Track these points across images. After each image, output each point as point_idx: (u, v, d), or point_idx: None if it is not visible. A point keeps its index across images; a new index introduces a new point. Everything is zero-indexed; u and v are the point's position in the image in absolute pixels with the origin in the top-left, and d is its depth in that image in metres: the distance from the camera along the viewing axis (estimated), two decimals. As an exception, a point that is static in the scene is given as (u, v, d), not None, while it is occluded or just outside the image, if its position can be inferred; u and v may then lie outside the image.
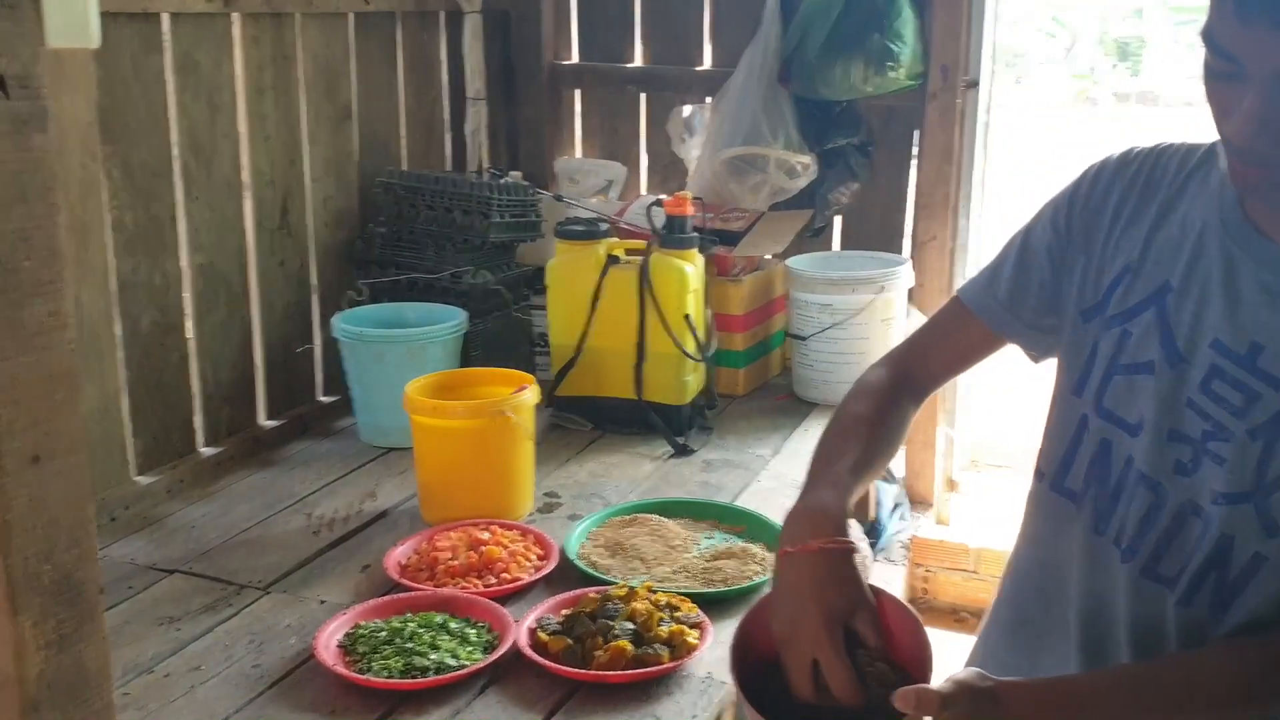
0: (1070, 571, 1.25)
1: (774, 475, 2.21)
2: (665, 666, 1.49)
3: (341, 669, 1.50)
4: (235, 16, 2.23)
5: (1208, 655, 1.13)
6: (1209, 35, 1.00)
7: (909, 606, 1.21)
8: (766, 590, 1.71)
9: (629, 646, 1.49)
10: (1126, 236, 1.20)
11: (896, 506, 3.08)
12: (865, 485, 1.27)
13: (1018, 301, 1.29)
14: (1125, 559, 1.18)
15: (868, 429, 1.30)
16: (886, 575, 3.07)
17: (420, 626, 1.56)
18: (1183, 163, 1.20)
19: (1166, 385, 1.15)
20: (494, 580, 1.73)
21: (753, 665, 1.20)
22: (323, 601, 1.73)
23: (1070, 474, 1.25)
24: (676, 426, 2.37)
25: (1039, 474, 1.30)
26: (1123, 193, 1.22)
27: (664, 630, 1.53)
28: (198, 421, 2.24)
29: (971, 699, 1.06)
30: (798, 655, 1.13)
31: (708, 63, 3.11)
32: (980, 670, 1.10)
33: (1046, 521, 1.29)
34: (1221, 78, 1.02)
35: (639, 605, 1.56)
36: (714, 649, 1.56)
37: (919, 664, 1.15)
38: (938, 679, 1.12)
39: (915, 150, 2.94)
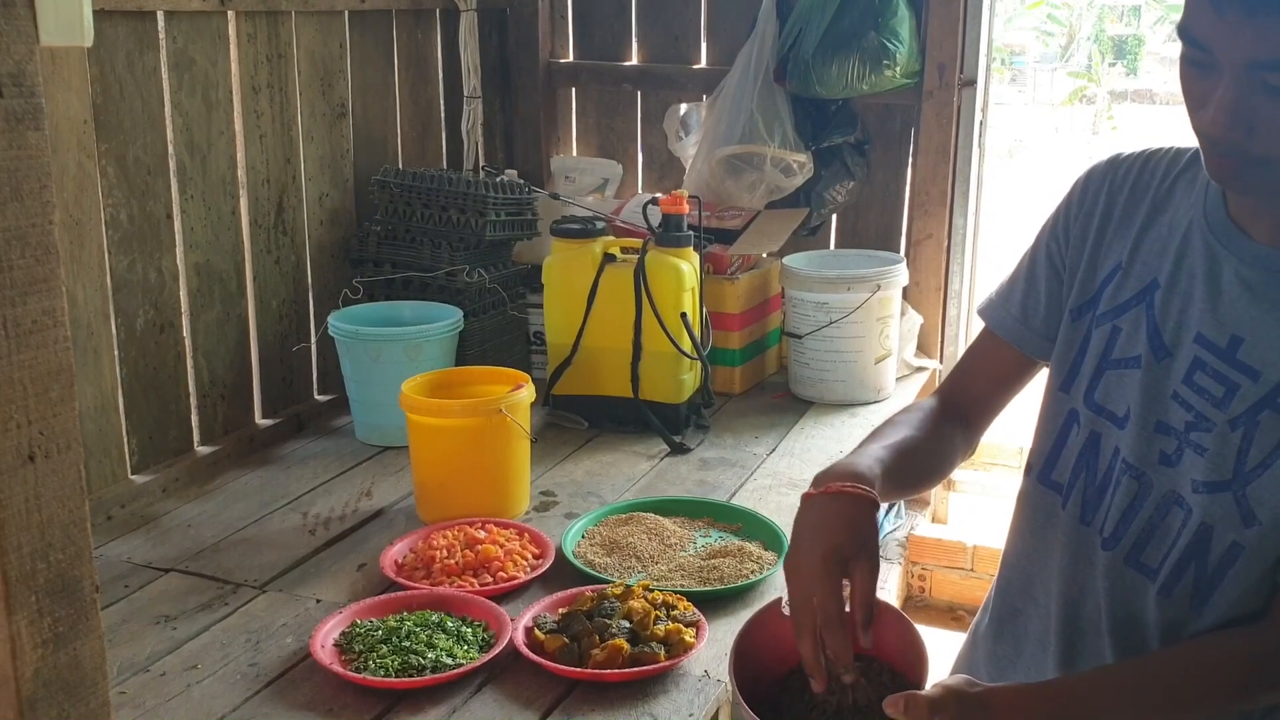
0: (1053, 562, 1.27)
1: (770, 473, 2.21)
2: (661, 665, 1.49)
3: (338, 668, 1.50)
4: (230, 14, 2.22)
5: (1196, 649, 1.15)
6: (1184, 28, 1.04)
7: (906, 617, 1.21)
8: (763, 590, 1.72)
9: (625, 645, 1.49)
10: (1117, 237, 1.24)
11: (893, 505, 3.08)
12: (903, 473, 1.26)
13: (1031, 314, 1.31)
14: (1107, 547, 1.21)
15: (907, 429, 1.31)
16: (883, 573, 3.07)
17: (417, 625, 1.56)
18: (1170, 166, 1.23)
19: (1152, 378, 1.18)
20: (490, 579, 1.73)
21: (753, 672, 1.20)
22: (319, 600, 1.73)
23: (1057, 467, 1.27)
24: (673, 425, 2.37)
25: (1028, 468, 1.32)
26: (1110, 196, 1.25)
27: (660, 629, 1.53)
28: (193, 420, 2.24)
29: (958, 704, 1.07)
30: (798, 589, 1.14)
31: (704, 61, 3.11)
32: (969, 677, 1.12)
33: (1033, 514, 1.31)
34: (1196, 68, 1.05)
35: (635, 604, 1.56)
36: (710, 647, 1.56)
37: (915, 672, 1.16)
38: (930, 684, 1.13)
39: (911, 148, 2.95)
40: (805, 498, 1.19)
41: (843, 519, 1.15)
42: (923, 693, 1.08)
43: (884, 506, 3.15)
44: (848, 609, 1.13)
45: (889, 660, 1.23)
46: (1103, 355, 1.22)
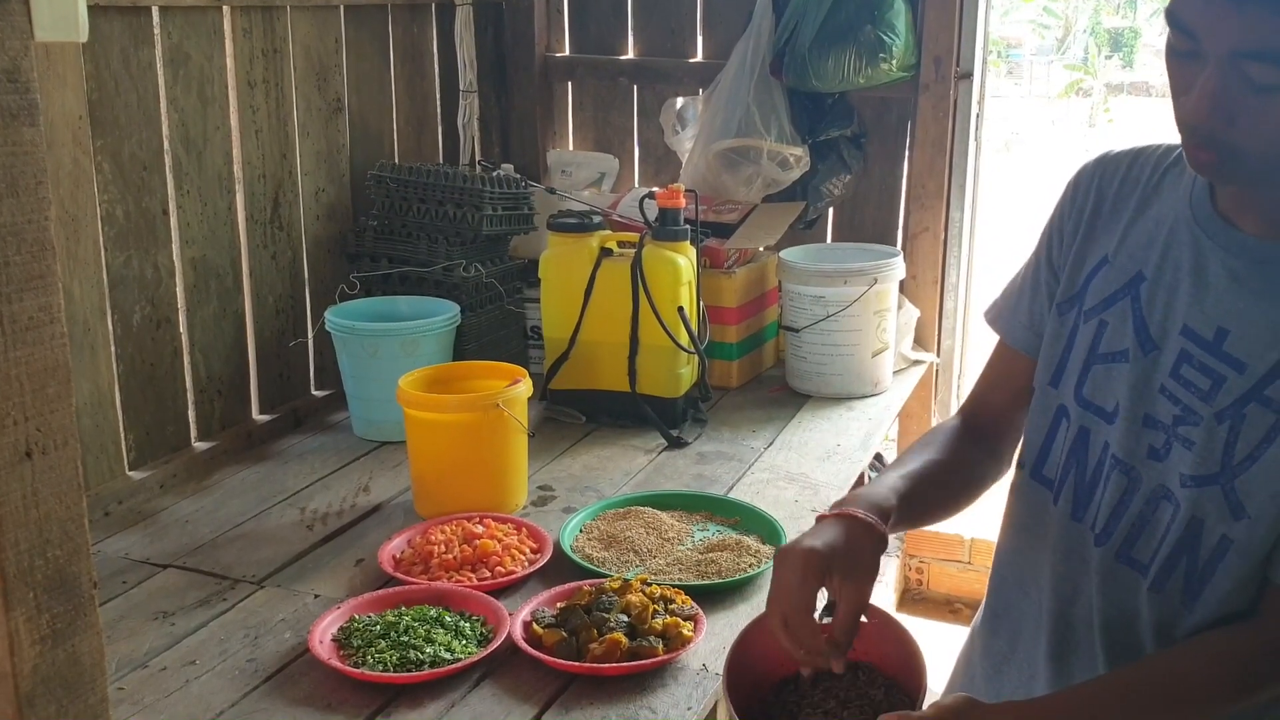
0: (1045, 558, 1.27)
1: (767, 467, 2.21)
2: (659, 659, 1.49)
3: (336, 663, 1.50)
4: (226, 9, 2.22)
5: (1192, 651, 1.14)
6: (1172, 12, 1.04)
7: (905, 628, 1.21)
8: (761, 584, 1.73)
9: (623, 639, 1.50)
10: (1105, 232, 1.24)
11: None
12: (923, 500, 1.27)
13: (1038, 321, 1.31)
14: (1099, 543, 1.21)
15: (929, 453, 1.32)
16: (879, 566, 3.07)
17: (415, 620, 1.56)
18: (1159, 161, 1.23)
19: (1140, 372, 1.17)
20: (488, 574, 1.73)
21: (750, 682, 1.20)
22: (317, 595, 1.73)
23: (1048, 463, 1.27)
24: (670, 419, 2.37)
25: (1020, 463, 1.32)
26: (1100, 192, 1.25)
27: (658, 623, 1.53)
28: (191, 416, 2.24)
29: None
30: (775, 580, 1.16)
31: (700, 55, 3.11)
32: (969, 696, 1.11)
33: (1025, 510, 1.31)
34: (1182, 56, 1.05)
35: (633, 598, 1.56)
36: (708, 641, 1.56)
37: (913, 683, 1.16)
38: (932, 692, 1.13)
39: (908, 142, 2.95)
40: (817, 518, 1.22)
41: (844, 536, 1.16)
42: (917, 713, 1.08)
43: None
44: (818, 615, 1.15)
45: (890, 673, 1.22)
46: (1090, 350, 1.22)
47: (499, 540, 1.79)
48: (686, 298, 2.33)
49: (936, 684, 1.28)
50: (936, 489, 1.30)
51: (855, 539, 1.16)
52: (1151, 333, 1.17)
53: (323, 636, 1.55)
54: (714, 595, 1.68)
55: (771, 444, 2.33)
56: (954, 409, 3.18)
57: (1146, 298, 1.18)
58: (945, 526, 3.26)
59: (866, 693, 1.20)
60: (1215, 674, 1.11)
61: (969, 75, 2.88)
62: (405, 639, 1.51)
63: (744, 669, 1.21)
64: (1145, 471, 1.17)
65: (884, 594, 3.18)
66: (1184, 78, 1.05)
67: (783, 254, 2.68)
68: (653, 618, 1.54)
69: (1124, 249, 1.21)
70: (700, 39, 3.11)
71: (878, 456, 2.90)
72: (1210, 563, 1.13)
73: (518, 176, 2.66)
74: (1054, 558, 1.26)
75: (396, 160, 2.75)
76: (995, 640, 1.36)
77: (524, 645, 1.53)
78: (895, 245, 2.92)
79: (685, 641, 1.52)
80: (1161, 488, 1.16)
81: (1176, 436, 1.14)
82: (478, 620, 1.59)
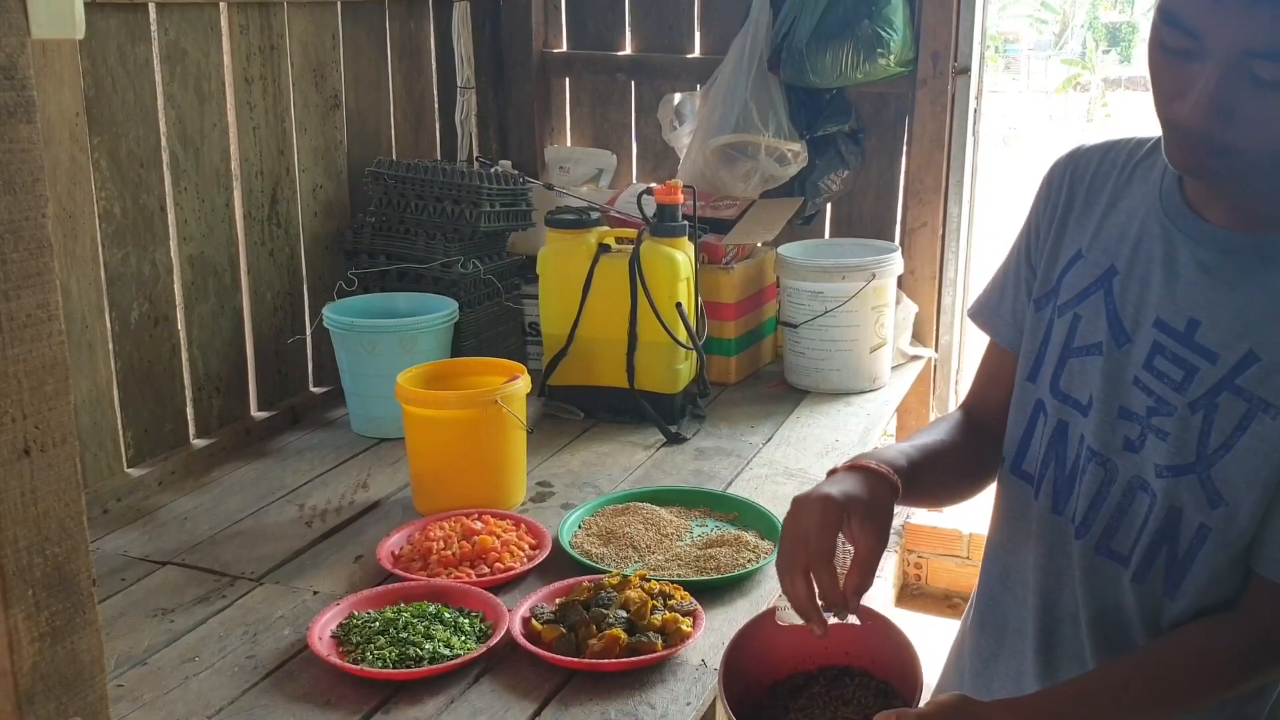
0: (1029, 552, 1.27)
1: (766, 463, 2.21)
2: (658, 654, 1.49)
3: (336, 659, 1.50)
4: (223, 6, 2.22)
5: (1179, 643, 1.15)
6: (1170, 11, 1.01)
7: (900, 629, 1.21)
8: (760, 580, 1.73)
9: (622, 635, 1.50)
10: (1078, 227, 1.24)
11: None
12: (932, 472, 1.26)
13: (1019, 318, 1.31)
14: (1079, 535, 1.21)
15: (937, 434, 1.32)
16: (894, 514, 3.07)
17: (414, 616, 1.56)
18: (1131, 155, 1.23)
19: (1113, 364, 1.18)
20: (487, 570, 1.73)
21: (743, 683, 1.20)
22: (316, 592, 1.73)
23: (1027, 457, 1.28)
24: (668, 415, 2.37)
25: (1003, 458, 1.32)
26: (1072, 187, 1.26)
27: (657, 618, 1.53)
28: (189, 413, 2.24)
29: (955, 718, 1.07)
30: (794, 525, 1.14)
31: (697, 50, 3.11)
32: (964, 694, 1.11)
33: (1008, 504, 1.32)
34: (1177, 55, 1.02)
35: (632, 594, 1.56)
36: (707, 636, 1.56)
37: (908, 686, 1.16)
38: (926, 691, 1.13)
39: (906, 137, 2.94)
40: (828, 473, 1.20)
41: (858, 483, 1.15)
42: (914, 710, 1.08)
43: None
44: (841, 569, 1.13)
45: (882, 674, 1.22)
46: (1065, 344, 1.22)
47: (498, 536, 1.79)
48: (685, 293, 2.33)
49: (933, 683, 1.28)
50: (944, 466, 1.30)
51: (869, 486, 1.15)
52: (1125, 325, 1.17)
53: (322, 633, 1.55)
54: (712, 591, 1.68)
55: (770, 440, 2.33)
56: (952, 404, 3.18)
57: (1119, 291, 1.18)
58: (943, 521, 3.27)
59: (858, 697, 1.20)
60: (1204, 664, 1.12)
61: (966, 70, 2.87)
62: (404, 635, 1.51)
63: (739, 669, 1.21)
64: (1121, 463, 1.17)
65: (882, 589, 3.18)
66: (1178, 79, 1.02)
67: (781, 249, 2.68)
68: (651, 613, 1.54)
69: (1097, 243, 1.21)
70: (698, 34, 3.10)
71: (876, 452, 2.90)
72: (1190, 552, 1.14)
73: (515, 173, 2.66)
74: (1037, 552, 1.26)
75: (394, 157, 2.74)
76: (983, 636, 1.36)
77: (523, 641, 1.53)
78: (893, 241, 2.92)
79: (684, 637, 1.52)
80: (1138, 479, 1.16)
81: (1150, 427, 1.15)
82: (476, 616, 1.59)
